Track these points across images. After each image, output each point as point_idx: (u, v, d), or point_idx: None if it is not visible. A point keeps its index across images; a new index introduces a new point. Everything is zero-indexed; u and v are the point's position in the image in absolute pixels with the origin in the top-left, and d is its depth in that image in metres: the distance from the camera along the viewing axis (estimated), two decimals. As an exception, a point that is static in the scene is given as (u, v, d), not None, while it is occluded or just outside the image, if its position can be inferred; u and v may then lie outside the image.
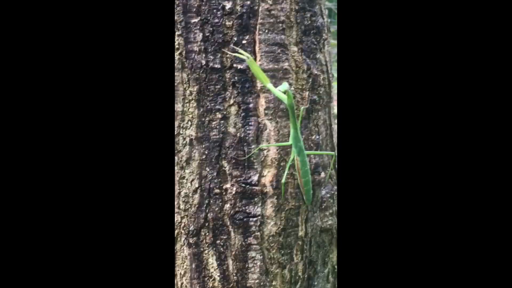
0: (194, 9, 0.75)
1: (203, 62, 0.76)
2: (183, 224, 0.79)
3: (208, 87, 0.76)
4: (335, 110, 0.91)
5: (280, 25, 0.77)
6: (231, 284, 0.78)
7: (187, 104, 0.77)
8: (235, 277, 0.78)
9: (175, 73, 0.77)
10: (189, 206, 0.78)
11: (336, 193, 0.85)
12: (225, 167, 0.77)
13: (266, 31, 0.76)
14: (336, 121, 0.86)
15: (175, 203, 0.79)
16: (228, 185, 0.77)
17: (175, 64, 0.77)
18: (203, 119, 0.77)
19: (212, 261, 0.78)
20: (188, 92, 0.77)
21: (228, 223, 0.77)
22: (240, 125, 0.77)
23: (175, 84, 0.77)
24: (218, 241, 0.78)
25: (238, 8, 0.75)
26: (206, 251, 0.78)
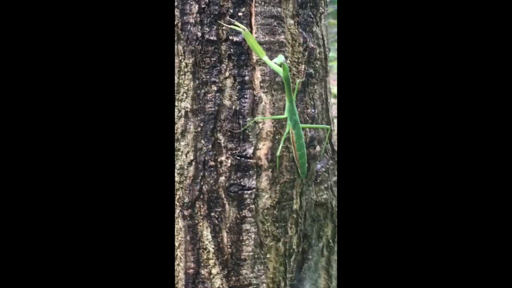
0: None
1: (199, 34, 0.75)
2: (178, 196, 0.79)
3: (204, 59, 0.76)
4: (333, 86, 0.91)
5: (277, -3, 0.77)
6: (226, 256, 0.78)
7: (183, 76, 0.77)
8: (229, 249, 0.78)
9: (171, 45, 0.77)
10: (184, 178, 0.78)
11: (331, 167, 0.85)
12: (220, 140, 0.77)
13: (262, 3, 0.76)
14: (333, 96, 0.86)
15: (170, 175, 0.79)
16: (223, 158, 0.77)
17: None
18: (199, 92, 0.76)
19: (206, 233, 0.78)
20: (183, 64, 0.76)
21: (223, 196, 0.77)
22: (236, 97, 0.76)
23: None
24: (212, 214, 0.78)
25: (235, -21, 0.75)
26: (200, 223, 0.78)
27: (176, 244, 0.80)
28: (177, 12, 0.76)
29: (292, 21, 0.78)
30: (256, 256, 0.79)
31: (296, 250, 0.82)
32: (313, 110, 0.81)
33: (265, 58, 0.73)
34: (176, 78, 0.77)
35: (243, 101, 0.76)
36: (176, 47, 0.76)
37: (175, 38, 0.76)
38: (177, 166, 0.78)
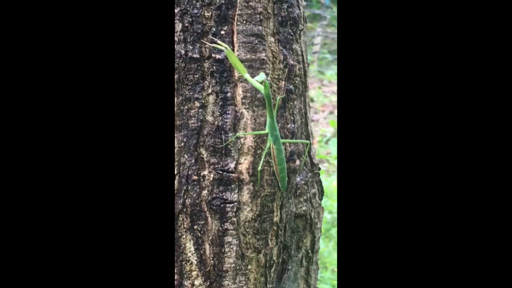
0: (174, 0, 0.77)
1: (182, 51, 0.77)
2: (161, 210, 0.81)
3: (187, 76, 0.78)
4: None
5: (258, 16, 0.79)
6: (208, 268, 0.80)
7: (166, 93, 0.79)
8: (211, 261, 0.80)
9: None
10: (168, 192, 0.80)
11: (310, 180, 0.88)
12: (203, 155, 0.79)
13: (244, 22, 0.78)
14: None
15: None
16: (205, 172, 0.79)
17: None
18: (182, 108, 0.78)
19: (189, 246, 0.80)
20: (167, 81, 0.78)
21: (206, 209, 0.79)
22: (218, 113, 0.78)
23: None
24: (195, 226, 0.80)
25: (217, -1, 0.77)
26: (183, 236, 0.80)
27: (160, 256, 0.82)
28: (161, 30, 0.77)
29: (272, 39, 0.80)
30: (237, 267, 0.81)
31: (276, 261, 0.84)
32: (293, 125, 0.84)
33: (247, 76, 0.75)
34: (160, 94, 0.79)
35: (225, 117, 0.78)
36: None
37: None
38: (160, 180, 0.80)
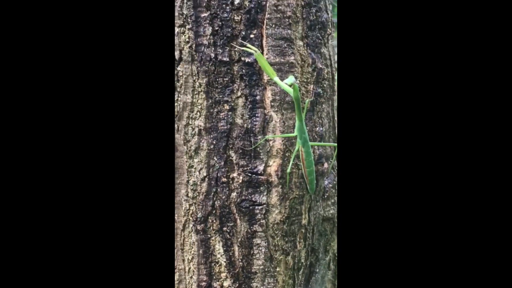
0: (204, 4, 0.78)
1: (212, 55, 0.78)
2: (191, 212, 0.81)
3: (217, 80, 0.79)
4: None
5: (287, 20, 0.79)
6: (237, 270, 0.81)
7: (196, 96, 0.79)
8: (240, 263, 0.81)
9: (185, 66, 0.79)
10: (197, 194, 0.81)
11: (337, 183, 0.88)
12: (232, 157, 0.80)
13: (273, 25, 0.79)
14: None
15: (183, 191, 0.81)
16: (235, 174, 0.80)
17: (185, 57, 0.79)
18: (212, 110, 0.79)
19: (218, 247, 0.81)
20: (197, 84, 0.79)
21: (235, 211, 0.80)
22: (247, 116, 0.79)
23: (185, 76, 0.79)
24: (224, 228, 0.80)
25: (247, 3, 0.78)
26: (213, 238, 0.81)
27: (189, 257, 0.82)
28: (191, 34, 0.78)
29: (301, 43, 0.81)
30: (266, 269, 0.81)
31: (304, 263, 0.85)
32: (321, 128, 0.84)
33: (276, 79, 0.76)
34: (190, 97, 0.80)
35: (254, 119, 0.79)
36: (190, 67, 0.79)
37: (190, 59, 0.79)
38: (190, 182, 0.81)
